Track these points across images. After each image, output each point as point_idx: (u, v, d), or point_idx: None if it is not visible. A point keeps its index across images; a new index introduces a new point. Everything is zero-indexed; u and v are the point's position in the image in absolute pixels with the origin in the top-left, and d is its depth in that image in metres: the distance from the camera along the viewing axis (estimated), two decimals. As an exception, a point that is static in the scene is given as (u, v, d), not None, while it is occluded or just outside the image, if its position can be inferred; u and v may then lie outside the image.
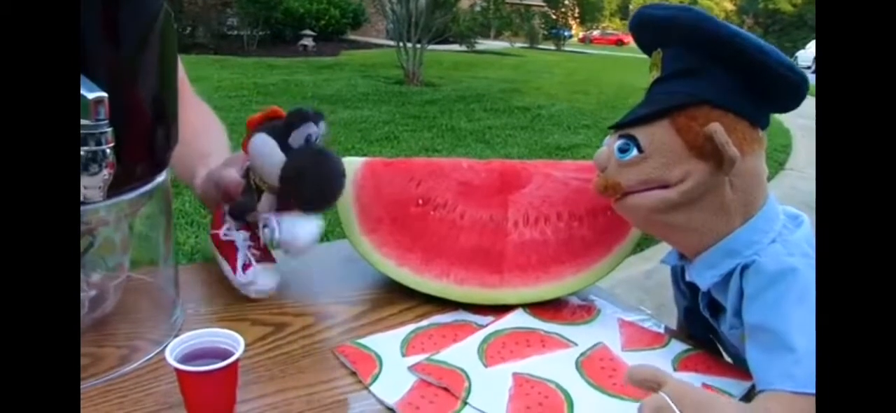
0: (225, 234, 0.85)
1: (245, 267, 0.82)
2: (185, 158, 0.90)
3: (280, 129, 0.76)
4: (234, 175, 0.81)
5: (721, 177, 0.71)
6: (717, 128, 0.68)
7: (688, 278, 0.78)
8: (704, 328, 0.83)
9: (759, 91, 0.71)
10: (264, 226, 0.79)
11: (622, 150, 0.74)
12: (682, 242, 0.78)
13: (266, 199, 0.80)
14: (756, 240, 0.72)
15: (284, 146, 0.75)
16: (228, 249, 0.85)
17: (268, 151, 0.75)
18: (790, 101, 0.73)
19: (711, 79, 0.71)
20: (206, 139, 0.97)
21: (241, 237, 0.84)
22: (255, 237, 0.84)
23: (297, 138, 0.75)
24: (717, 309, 0.78)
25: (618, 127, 0.76)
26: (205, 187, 0.89)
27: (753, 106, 0.72)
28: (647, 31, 0.77)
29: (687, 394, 0.59)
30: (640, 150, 0.72)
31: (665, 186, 0.72)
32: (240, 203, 0.83)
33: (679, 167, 0.71)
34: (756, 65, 0.69)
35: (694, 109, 0.70)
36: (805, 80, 0.70)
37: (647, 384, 0.60)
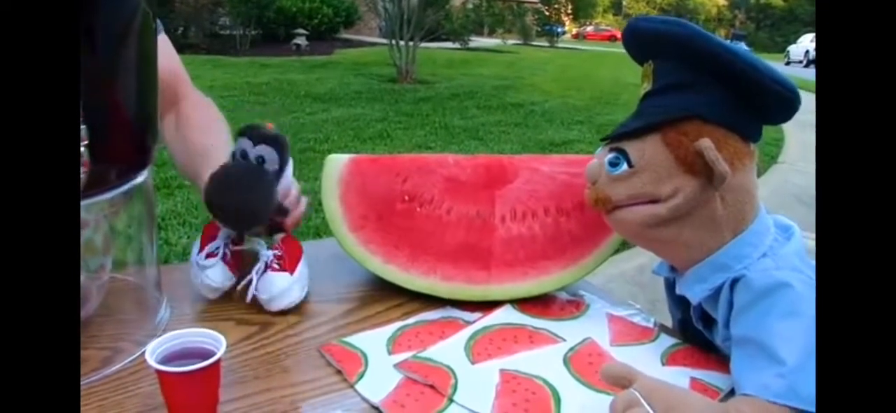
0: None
1: (209, 255, 0.82)
2: (188, 158, 0.89)
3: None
4: None
5: (711, 192, 0.70)
6: (707, 144, 0.68)
7: (678, 292, 0.78)
8: (699, 339, 0.82)
9: (750, 105, 0.70)
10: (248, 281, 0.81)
11: (613, 164, 0.73)
12: (672, 256, 0.77)
13: None
14: (746, 254, 0.71)
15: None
16: (209, 233, 0.84)
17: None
18: (782, 115, 0.72)
19: (703, 93, 0.70)
20: (206, 137, 0.96)
21: (225, 231, 0.83)
22: (237, 241, 0.83)
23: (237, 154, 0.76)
24: (709, 321, 0.77)
25: (609, 140, 0.75)
26: None
27: (745, 120, 0.71)
28: (639, 43, 0.76)
29: (657, 390, 0.59)
30: (630, 164, 0.72)
31: (655, 201, 0.72)
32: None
33: (669, 182, 0.70)
34: (747, 79, 0.68)
35: (685, 124, 0.70)
36: (797, 95, 0.69)
37: (619, 381, 0.60)
